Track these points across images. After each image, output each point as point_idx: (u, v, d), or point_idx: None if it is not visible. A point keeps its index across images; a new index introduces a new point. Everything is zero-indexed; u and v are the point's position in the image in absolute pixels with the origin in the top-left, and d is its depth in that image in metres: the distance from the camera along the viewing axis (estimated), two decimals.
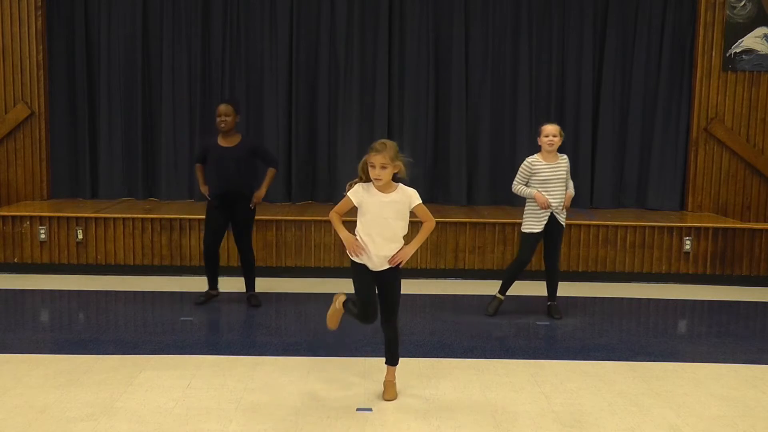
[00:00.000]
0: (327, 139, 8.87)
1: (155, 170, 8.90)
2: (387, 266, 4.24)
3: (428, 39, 8.77)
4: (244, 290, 6.48)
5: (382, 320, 4.35)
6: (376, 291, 4.31)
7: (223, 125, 6.12)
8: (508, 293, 6.29)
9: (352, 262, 4.31)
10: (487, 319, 6.17)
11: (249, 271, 6.42)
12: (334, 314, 4.60)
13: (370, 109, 8.80)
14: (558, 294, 6.37)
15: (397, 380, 4.47)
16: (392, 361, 4.44)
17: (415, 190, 4.25)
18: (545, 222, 6.04)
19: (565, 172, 6.06)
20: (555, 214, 6.04)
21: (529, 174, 6.05)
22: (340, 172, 8.71)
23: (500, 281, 6.31)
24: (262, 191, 6.28)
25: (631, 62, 8.81)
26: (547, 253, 6.22)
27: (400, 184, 4.23)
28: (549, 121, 6.29)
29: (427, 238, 4.37)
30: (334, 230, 4.38)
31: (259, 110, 8.82)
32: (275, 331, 5.85)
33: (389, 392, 4.38)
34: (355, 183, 4.27)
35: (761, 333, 6.24)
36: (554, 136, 5.97)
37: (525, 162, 6.07)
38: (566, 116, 8.89)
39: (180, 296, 6.42)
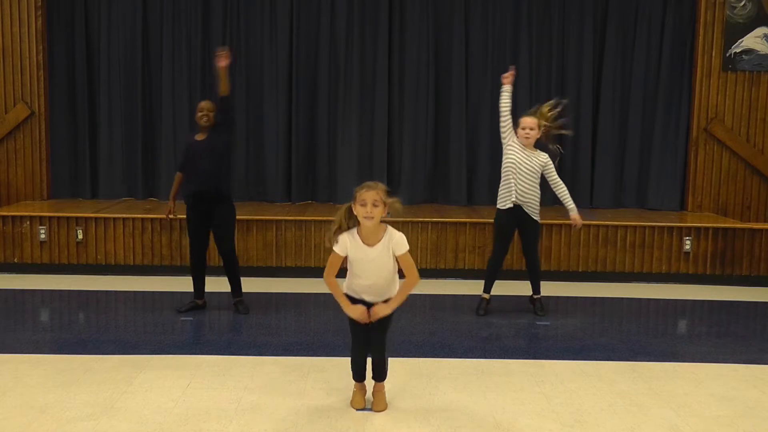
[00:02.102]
0: (327, 139, 8.87)
1: (155, 170, 8.90)
2: (381, 299, 4.12)
3: (428, 39, 8.77)
4: (231, 296, 6.32)
5: (371, 336, 4.19)
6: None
7: (204, 121, 5.93)
8: (506, 293, 6.29)
9: (347, 295, 4.19)
10: (487, 319, 6.17)
11: (232, 276, 6.21)
12: (354, 395, 4.36)
13: (370, 109, 8.80)
14: (559, 294, 6.37)
15: (393, 384, 4.41)
16: (379, 378, 4.28)
17: (403, 236, 4.01)
18: (512, 201, 5.98)
19: (538, 167, 5.97)
20: (525, 209, 6.01)
21: (505, 135, 6.01)
22: (340, 172, 8.72)
23: (499, 281, 6.31)
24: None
25: (631, 62, 8.81)
26: (524, 248, 6.23)
27: (389, 227, 4.01)
28: (528, 112, 6.19)
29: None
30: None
31: (259, 110, 8.83)
32: (275, 331, 5.85)
33: (379, 403, 4.23)
34: (336, 233, 4.06)
35: (761, 333, 6.24)
36: (531, 129, 5.94)
37: (509, 140, 6.03)
38: (566, 116, 8.87)
39: (180, 296, 6.41)
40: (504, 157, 6.05)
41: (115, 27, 8.70)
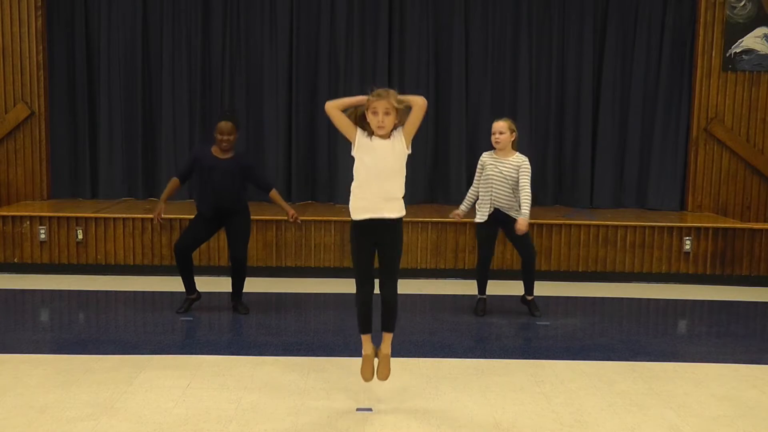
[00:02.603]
0: (327, 139, 8.86)
1: (155, 170, 8.90)
2: (388, 213, 4.09)
3: (428, 39, 8.77)
4: (231, 297, 6.33)
5: (381, 281, 4.20)
6: (376, 254, 4.19)
7: (225, 144, 5.94)
8: (505, 293, 6.27)
9: (353, 224, 4.16)
10: (486, 319, 6.17)
11: (240, 280, 6.26)
12: (364, 361, 4.32)
13: None
14: (559, 294, 6.35)
15: (393, 384, 4.39)
16: (389, 327, 4.25)
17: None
18: (488, 212, 5.95)
19: (513, 172, 5.89)
20: (505, 211, 5.95)
21: (481, 169, 6.00)
22: (340, 172, 8.70)
23: (498, 281, 6.31)
24: (290, 210, 6.15)
25: (631, 62, 8.81)
26: (517, 248, 6.20)
27: (393, 131, 4.10)
28: (501, 117, 6.12)
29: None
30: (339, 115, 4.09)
31: (259, 110, 8.83)
32: (275, 331, 5.85)
33: (384, 369, 4.23)
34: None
35: (761, 333, 6.24)
36: (501, 132, 5.86)
37: (480, 158, 6.05)
38: (566, 116, 8.89)
39: (180, 296, 6.41)
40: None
41: (115, 27, 8.70)
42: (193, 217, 6.24)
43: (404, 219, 4.23)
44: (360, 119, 4.10)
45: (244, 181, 6.10)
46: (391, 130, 4.08)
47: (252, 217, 7.46)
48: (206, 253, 7.43)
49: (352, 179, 4.17)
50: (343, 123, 4.12)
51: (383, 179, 4.08)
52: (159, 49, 8.77)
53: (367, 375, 4.26)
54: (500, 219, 6.01)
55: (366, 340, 4.28)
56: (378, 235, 4.16)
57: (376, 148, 4.06)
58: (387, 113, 3.98)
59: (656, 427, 4.07)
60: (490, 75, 8.86)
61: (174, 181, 6.20)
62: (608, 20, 8.78)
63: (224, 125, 5.97)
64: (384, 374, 4.26)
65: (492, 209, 5.97)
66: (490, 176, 5.93)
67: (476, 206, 6.10)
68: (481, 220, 6.03)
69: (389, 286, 4.22)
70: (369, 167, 4.08)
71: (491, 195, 5.94)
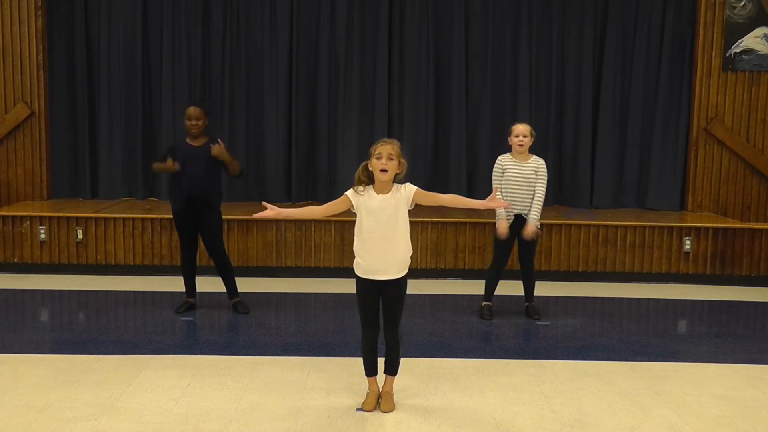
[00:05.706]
0: (327, 139, 8.87)
1: None
2: (392, 275, 4.11)
3: (428, 39, 8.77)
4: (228, 298, 6.33)
5: (384, 327, 4.25)
6: (380, 301, 4.20)
7: (194, 130, 5.90)
8: (505, 293, 6.26)
9: (357, 276, 4.19)
10: (486, 319, 6.17)
11: (227, 277, 6.24)
12: (368, 396, 4.35)
13: (370, 109, 8.80)
14: (559, 294, 6.34)
15: (394, 384, 4.38)
16: (391, 371, 4.32)
17: (407, 183, 4.12)
18: (511, 217, 5.97)
19: (533, 174, 5.93)
20: (524, 216, 5.96)
21: (501, 172, 5.99)
22: (340, 172, 8.72)
23: (499, 282, 6.32)
24: (225, 155, 5.87)
25: (631, 62, 8.81)
26: (520, 255, 6.19)
27: (395, 184, 4.11)
28: (521, 120, 6.18)
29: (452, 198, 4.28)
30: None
31: (259, 110, 8.83)
32: (275, 331, 5.85)
33: (387, 404, 4.25)
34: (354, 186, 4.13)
35: (761, 333, 6.24)
36: (525, 136, 5.92)
37: (496, 161, 6.05)
38: (566, 116, 8.89)
39: (180, 296, 6.41)
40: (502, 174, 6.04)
41: (115, 27, 8.70)
42: (174, 225, 6.20)
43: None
44: (365, 173, 4.08)
45: (218, 171, 5.99)
46: (393, 182, 4.07)
47: (252, 216, 7.50)
48: (205, 253, 7.42)
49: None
50: (334, 210, 4.18)
51: (386, 242, 4.06)
52: (159, 49, 8.76)
53: (369, 407, 4.25)
54: (519, 225, 6.01)
55: (371, 381, 4.33)
56: (382, 288, 4.16)
57: (377, 209, 4.04)
58: (391, 158, 3.98)
59: (656, 427, 4.07)
60: (490, 75, 8.86)
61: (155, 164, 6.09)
62: (608, 20, 8.78)
63: (192, 110, 5.93)
64: (388, 408, 4.24)
65: (512, 216, 5.98)
66: (514, 177, 5.94)
67: (497, 211, 6.06)
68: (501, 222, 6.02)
69: (391, 333, 4.26)
70: (371, 230, 4.05)
71: (513, 199, 5.94)
